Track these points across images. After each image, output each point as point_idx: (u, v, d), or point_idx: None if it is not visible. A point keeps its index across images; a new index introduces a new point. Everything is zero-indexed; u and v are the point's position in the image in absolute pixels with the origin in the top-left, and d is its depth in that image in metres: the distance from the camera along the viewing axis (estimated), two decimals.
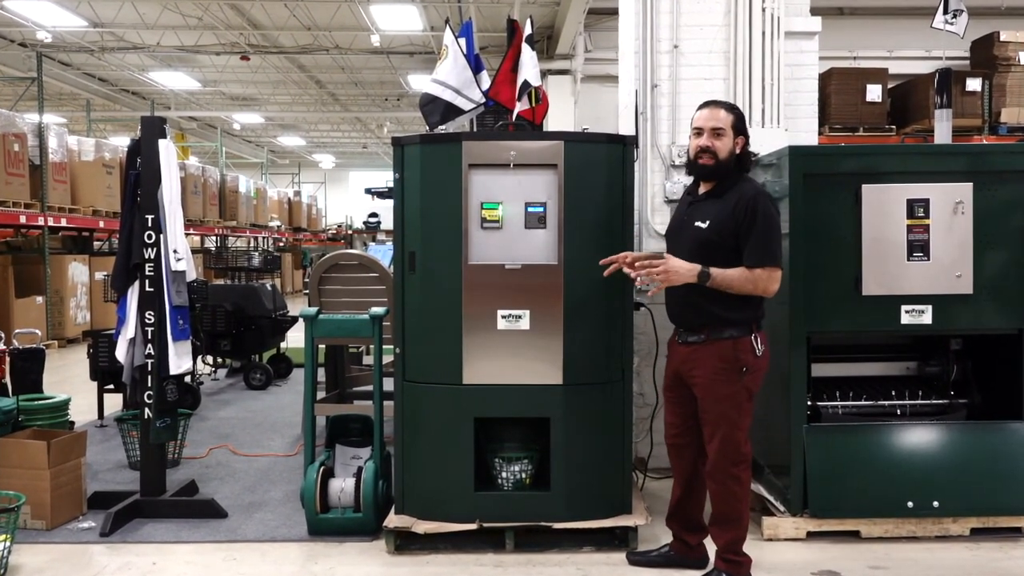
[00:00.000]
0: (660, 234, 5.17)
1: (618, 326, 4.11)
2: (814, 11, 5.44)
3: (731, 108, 3.70)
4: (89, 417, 6.83)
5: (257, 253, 13.99)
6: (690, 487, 3.81)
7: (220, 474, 5.41)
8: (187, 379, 6.74)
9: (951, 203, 4.17)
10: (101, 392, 6.73)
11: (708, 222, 3.58)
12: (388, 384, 4.35)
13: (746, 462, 3.61)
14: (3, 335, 5.97)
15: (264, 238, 23.33)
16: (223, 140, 22.03)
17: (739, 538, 3.64)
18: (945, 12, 7.57)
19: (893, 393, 4.54)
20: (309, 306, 4.99)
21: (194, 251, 10.75)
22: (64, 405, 5.33)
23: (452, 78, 4.50)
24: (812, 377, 4.39)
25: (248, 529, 4.41)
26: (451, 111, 4.51)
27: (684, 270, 3.50)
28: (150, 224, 4.49)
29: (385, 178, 24.26)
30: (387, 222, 16.90)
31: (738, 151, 3.63)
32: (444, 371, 4.07)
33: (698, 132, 3.65)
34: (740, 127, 3.66)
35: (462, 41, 4.62)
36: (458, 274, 4.02)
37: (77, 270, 12.22)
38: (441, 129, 4.49)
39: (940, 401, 4.53)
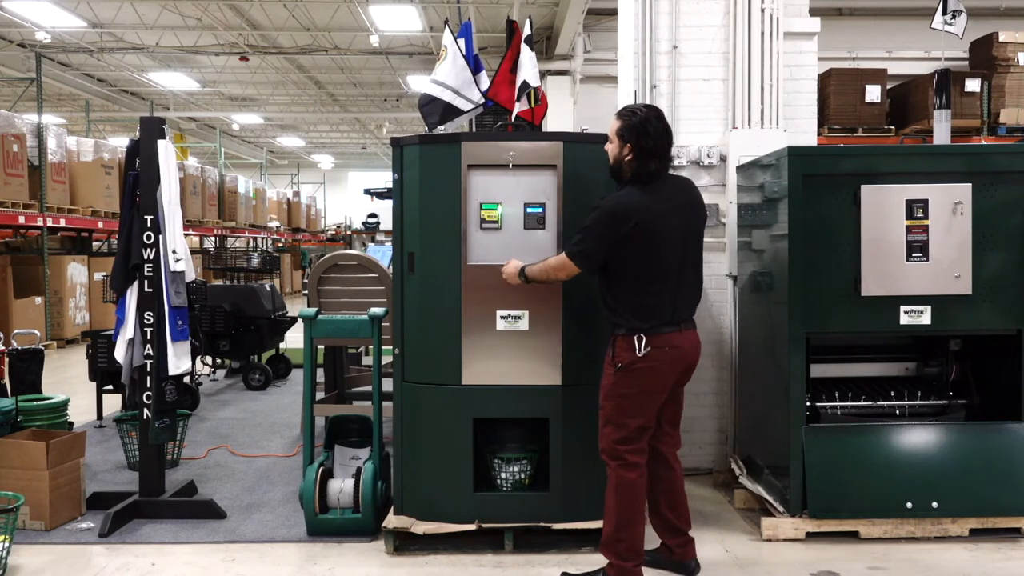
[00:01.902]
0: None
1: None
2: (813, 12, 5.44)
3: (619, 115, 3.70)
4: (88, 418, 6.83)
5: (256, 254, 14.03)
6: (650, 482, 3.79)
7: (219, 475, 5.41)
8: (186, 380, 6.74)
9: (950, 204, 4.17)
10: (100, 393, 6.72)
11: None
12: (387, 385, 4.35)
13: (618, 459, 3.59)
14: (2, 336, 5.97)
15: (263, 239, 23.33)
16: (222, 141, 22.02)
17: (610, 536, 3.60)
18: (944, 13, 7.57)
19: (892, 394, 4.55)
20: (308, 307, 4.99)
21: (193, 252, 10.75)
22: (63, 406, 5.33)
23: (451, 79, 4.50)
24: (811, 378, 4.40)
25: (247, 530, 4.41)
26: (450, 112, 4.51)
27: (510, 273, 3.86)
28: (149, 225, 4.49)
29: (384, 178, 24.27)
30: (386, 223, 16.91)
31: (628, 157, 3.60)
32: (443, 372, 4.07)
33: None
34: (625, 135, 3.60)
35: (461, 42, 4.61)
36: (457, 275, 4.02)
37: (76, 270, 12.22)
38: (440, 130, 4.49)
39: (939, 402, 4.54)
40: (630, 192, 3.61)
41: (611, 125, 3.70)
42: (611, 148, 3.68)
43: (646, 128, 3.58)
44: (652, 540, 4.03)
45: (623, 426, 3.60)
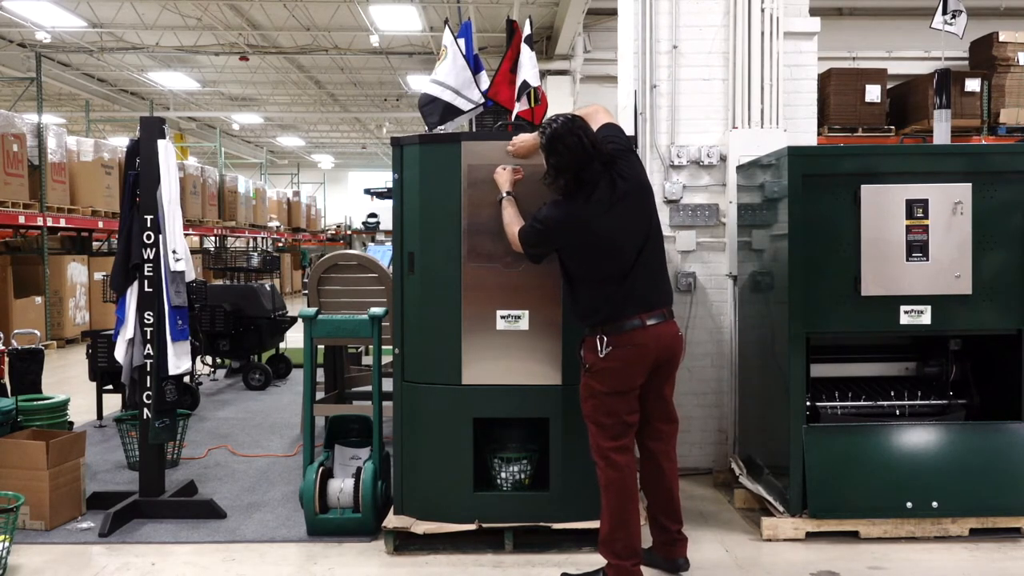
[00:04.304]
0: None
1: None
2: (813, 11, 5.44)
3: (540, 126, 3.70)
4: (88, 417, 6.83)
5: (256, 253, 14.04)
6: (641, 479, 3.82)
7: (219, 474, 5.41)
8: (186, 379, 6.74)
9: (950, 203, 4.17)
10: (100, 392, 6.72)
11: None
12: (387, 384, 4.35)
13: (604, 459, 3.61)
14: (2, 335, 5.96)
15: (263, 238, 23.33)
16: (222, 140, 22.02)
17: (607, 535, 3.60)
18: (944, 13, 7.56)
19: (892, 393, 4.55)
20: (308, 306, 4.99)
21: (193, 251, 10.76)
22: (63, 405, 5.33)
23: (451, 78, 4.50)
24: (811, 377, 4.40)
25: (247, 530, 4.41)
26: (450, 111, 4.51)
27: (501, 176, 3.92)
28: (149, 224, 4.49)
29: (384, 178, 24.26)
30: (386, 222, 16.92)
31: (549, 169, 3.63)
32: (443, 371, 4.07)
33: None
34: (543, 148, 3.63)
35: (461, 41, 4.61)
36: (457, 274, 4.02)
37: (76, 270, 12.22)
38: (440, 129, 4.49)
39: (939, 401, 4.54)
40: (559, 206, 3.61)
41: None
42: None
43: (554, 146, 3.55)
44: (649, 541, 4.04)
45: (603, 425, 3.62)
